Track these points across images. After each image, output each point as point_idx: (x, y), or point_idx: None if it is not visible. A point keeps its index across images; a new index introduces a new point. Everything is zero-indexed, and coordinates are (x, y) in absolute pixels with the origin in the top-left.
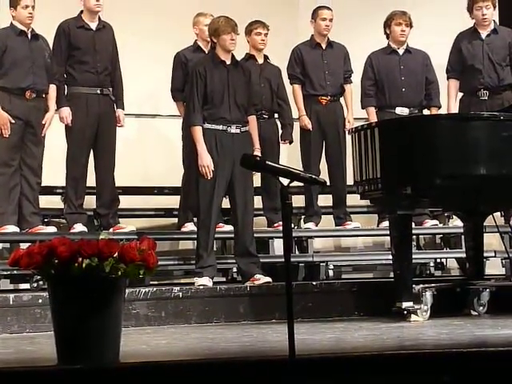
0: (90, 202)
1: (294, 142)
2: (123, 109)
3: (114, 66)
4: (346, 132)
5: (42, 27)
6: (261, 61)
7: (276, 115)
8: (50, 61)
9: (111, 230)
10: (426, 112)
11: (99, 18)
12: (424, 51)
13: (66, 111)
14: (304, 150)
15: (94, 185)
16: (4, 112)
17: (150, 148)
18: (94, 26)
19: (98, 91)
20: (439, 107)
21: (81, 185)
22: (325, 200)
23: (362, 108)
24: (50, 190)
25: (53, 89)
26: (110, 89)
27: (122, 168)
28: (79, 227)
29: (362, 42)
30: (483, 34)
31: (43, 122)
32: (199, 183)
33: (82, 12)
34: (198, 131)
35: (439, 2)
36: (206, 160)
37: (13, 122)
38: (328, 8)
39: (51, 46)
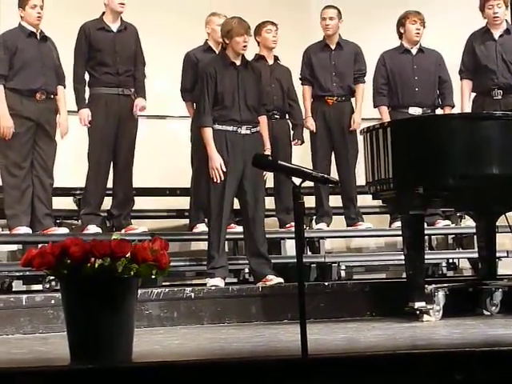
0: (103, 203)
1: (305, 143)
2: (144, 98)
3: (137, 66)
4: (358, 131)
5: (51, 28)
6: (271, 61)
7: (287, 115)
8: (59, 62)
9: (123, 231)
10: (439, 112)
11: (121, 20)
12: (437, 51)
13: (85, 113)
14: (313, 150)
15: (110, 186)
16: (10, 118)
17: (162, 149)
18: (115, 27)
19: (119, 91)
20: (453, 106)
21: (101, 185)
22: (336, 200)
23: (375, 107)
24: (62, 192)
25: (61, 90)
26: (132, 89)
27: (134, 169)
28: (93, 228)
29: (372, 39)
30: (496, 34)
31: (58, 127)
32: (210, 184)
33: (103, 14)
34: (208, 133)
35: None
36: (216, 162)
37: (13, 131)
38: (330, 7)
39: (60, 47)
